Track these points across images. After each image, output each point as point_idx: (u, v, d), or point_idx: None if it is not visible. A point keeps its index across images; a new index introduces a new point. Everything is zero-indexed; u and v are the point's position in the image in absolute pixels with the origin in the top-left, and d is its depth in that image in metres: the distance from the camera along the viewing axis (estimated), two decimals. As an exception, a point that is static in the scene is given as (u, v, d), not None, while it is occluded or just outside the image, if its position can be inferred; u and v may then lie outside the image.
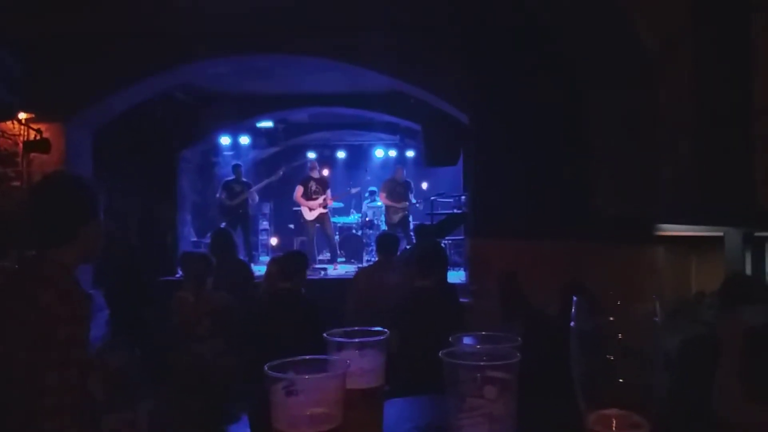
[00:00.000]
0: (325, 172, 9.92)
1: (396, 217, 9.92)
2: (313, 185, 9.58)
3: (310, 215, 9.55)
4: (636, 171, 5.22)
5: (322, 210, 9.54)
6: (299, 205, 9.76)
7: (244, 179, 9.73)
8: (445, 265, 4.48)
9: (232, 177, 9.67)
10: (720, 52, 3.89)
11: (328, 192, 9.65)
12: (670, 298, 4.47)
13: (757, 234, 4.05)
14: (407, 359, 3.04)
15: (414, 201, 10.26)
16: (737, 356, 2.23)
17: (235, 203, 9.44)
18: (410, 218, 10.21)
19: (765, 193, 3.51)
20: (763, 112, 3.51)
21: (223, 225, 9.46)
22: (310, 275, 8.39)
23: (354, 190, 10.86)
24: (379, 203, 10.83)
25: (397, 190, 9.90)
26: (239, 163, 9.96)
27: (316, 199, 9.52)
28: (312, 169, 9.85)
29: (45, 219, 1.78)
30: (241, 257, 9.90)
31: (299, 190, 9.62)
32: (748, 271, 4.01)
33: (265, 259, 8.85)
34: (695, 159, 4.13)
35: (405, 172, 10.30)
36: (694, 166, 4.14)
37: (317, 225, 9.62)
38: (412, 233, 9.80)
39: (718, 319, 2.79)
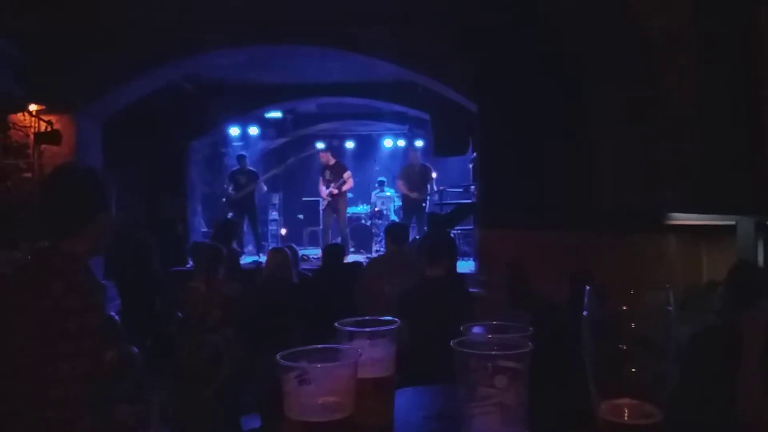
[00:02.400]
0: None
1: (412, 205, 9.80)
2: (327, 173, 9.60)
3: (322, 204, 9.60)
4: (645, 160, 5.19)
5: (329, 198, 9.53)
6: (315, 196, 9.84)
7: (250, 168, 9.73)
8: (454, 255, 4.48)
9: (237, 167, 9.69)
10: (726, 39, 3.85)
11: (345, 175, 9.56)
12: (681, 288, 4.45)
13: (769, 223, 4.02)
14: (417, 348, 3.05)
15: (435, 189, 10.01)
16: (758, 352, 2.21)
17: (241, 195, 9.44)
18: (426, 207, 10.06)
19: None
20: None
21: (230, 215, 9.53)
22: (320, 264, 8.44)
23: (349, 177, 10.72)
24: (388, 193, 10.80)
25: (414, 178, 9.75)
26: (244, 153, 9.94)
27: (329, 187, 9.55)
28: (322, 159, 9.87)
29: (56, 210, 1.79)
30: (251, 247, 9.99)
31: (321, 180, 9.70)
32: (761, 259, 3.99)
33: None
34: (704, 147, 4.10)
35: (419, 155, 10.17)
36: (704, 154, 4.12)
37: (334, 215, 9.62)
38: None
39: (738, 312, 2.76)
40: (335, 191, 9.61)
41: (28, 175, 6.41)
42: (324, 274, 5.77)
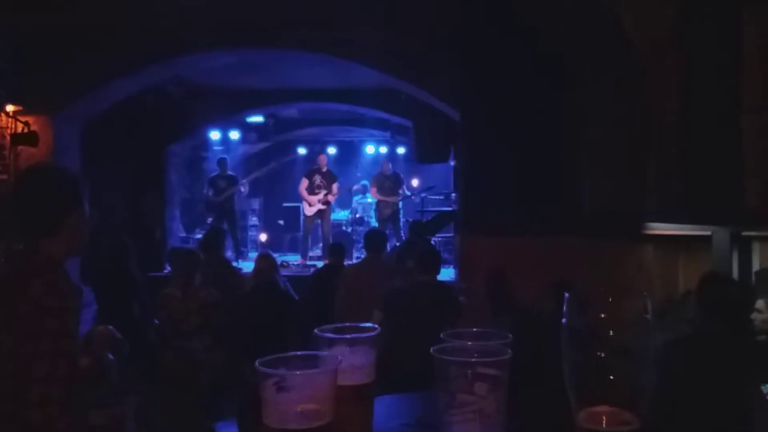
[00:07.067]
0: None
1: (387, 212, 9.88)
2: (317, 179, 9.51)
3: (309, 210, 9.48)
4: (625, 169, 5.25)
5: (321, 206, 9.49)
6: (300, 200, 9.70)
7: (230, 173, 9.66)
8: (440, 265, 4.57)
9: (217, 172, 9.61)
10: (708, 51, 3.91)
11: (334, 186, 9.57)
12: (657, 297, 4.50)
13: (744, 233, 4.08)
14: (405, 352, 3.05)
15: (408, 193, 10.17)
16: None
17: (221, 199, 9.36)
18: (401, 214, 10.18)
19: (752, 192, 3.54)
20: (751, 111, 3.54)
21: (209, 220, 9.45)
22: (300, 272, 8.41)
23: (356, 187, 10.83)
24: (369, 199, 10.81)
25: (386, 184, 9.85)
26: (225, 156, 9.87)
27: (317, 194, 9.46)
28: (320, 162, 9.78)
29: (28, 211, 1.78)
30: (230, 253, 9.90)
31: (304, 182, 9.53)
32: (735, 269, 4.04)
33: (254, 255, 8.83)
34: (683, 158, 4.16)
35: (391, 165, 10.24)
36: (683, 164, 4.17)
37: (317, 221, 9.58)
38: (402, 229, 9.80)
39: (709, 322, 2.79)
40: (331, 198, 9.60)
41: (4, 176, 6.30)
42: (330, 271, 5.86)
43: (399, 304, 4.02)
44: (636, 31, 4.66)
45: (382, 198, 9.82)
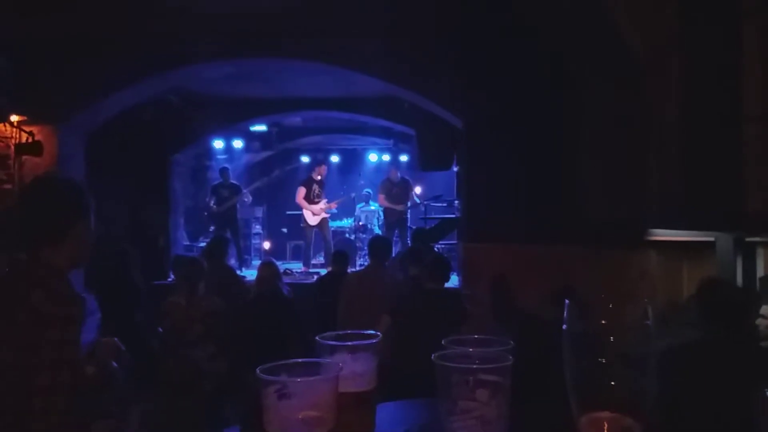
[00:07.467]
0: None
1: (392, 219, 9.88)
2: (316, 188, 9.56)
3: (313, 219, 9.52)
4: (627, 175, 5.24)
5: (325, 214, 9.55)
6: (300, 208, 9.71)
7: (232, 182, 9.70)
8: (449, 271, 4.59)
9: (220, 180, 9.65)
10: (709, 57, 3.91)
11: (323, 195, 9.65)
12: (661, 303, 4.49)
13: (748, 239, 4.07)
14: (413, 357, 3.07)
15: (418, 201, 10.15)
16: None
17: (224, 208, 9.39)
18: (408, 222, 10.15)
19: (754, 198, 3.53)
20: (753, 117, 3.54)
21: (212, 229, 9.47)
22: (303, 279, 8.42)
23: (353, 195, 10.87)
24: (373, 207, 10.81)
25: (394, 191, 9.84)
26: (227, 166, 9.91)
27: (317, 202, 9.50)
28: (318, 171, 9.81)
29: (34, 221, 1.79)
30: (233, 261, 9.92)
31: (301, 191, 9.56)
32: (739, 275, 4.03)
33: (258, 263, 8.83)
34: (685, 163, 4.15)
35: (399, 173, 10.27)
36: (683, 164, 4.17)
37: (316, 229, 9.62)
38: (409, 236, 9.79)
39: (709, 328, 2.78)
40: (334, 206, 9.64)
41: (9, 186, 6.32)
42: (333, 279, 5.85)
43: (407, 310, 4.03)
44: (636, 32, 4.66)
45: (390, 205, 9.80)
